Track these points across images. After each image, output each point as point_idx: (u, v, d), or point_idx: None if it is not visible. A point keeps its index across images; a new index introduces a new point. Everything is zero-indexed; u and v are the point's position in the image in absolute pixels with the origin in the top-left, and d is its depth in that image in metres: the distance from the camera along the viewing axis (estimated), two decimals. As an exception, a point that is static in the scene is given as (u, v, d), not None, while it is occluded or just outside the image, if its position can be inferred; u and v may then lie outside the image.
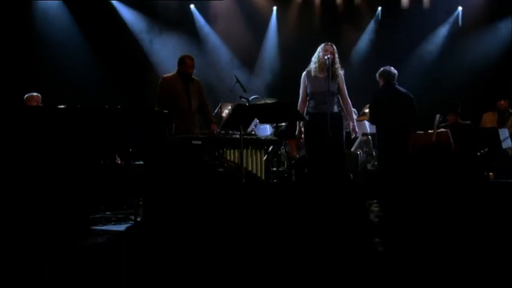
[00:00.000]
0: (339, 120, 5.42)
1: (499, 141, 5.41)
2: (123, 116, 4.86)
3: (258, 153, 6.45)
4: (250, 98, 8.13)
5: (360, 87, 7.27)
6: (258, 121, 7.41)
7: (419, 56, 9.37)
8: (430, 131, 6.54)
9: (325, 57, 5.34)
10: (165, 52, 9.25)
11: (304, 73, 5.58)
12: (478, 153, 6.21)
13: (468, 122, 7.11)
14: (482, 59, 8.59)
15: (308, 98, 5.50)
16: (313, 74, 5.48)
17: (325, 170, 5.42)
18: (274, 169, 6.95)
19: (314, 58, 5.52)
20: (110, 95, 8.44)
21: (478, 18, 9.14)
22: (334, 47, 5.48)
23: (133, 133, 4.86)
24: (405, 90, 6.13)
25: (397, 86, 6.10)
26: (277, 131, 7.02)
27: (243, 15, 9.67)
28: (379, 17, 9.86)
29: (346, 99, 5.54)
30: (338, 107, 5.46)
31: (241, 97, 6.83)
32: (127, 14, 9.39)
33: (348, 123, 5.66)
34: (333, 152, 5.31)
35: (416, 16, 9.46)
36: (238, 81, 7.14)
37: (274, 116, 5.52)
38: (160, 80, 6.39)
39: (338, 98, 5.50)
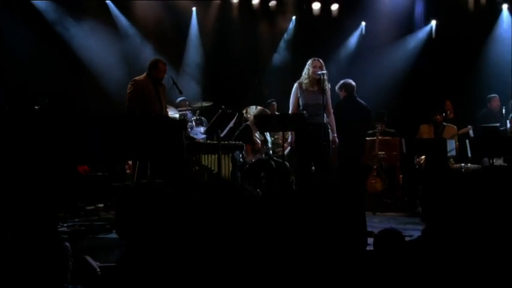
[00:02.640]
0: (327, 130, 5.90)
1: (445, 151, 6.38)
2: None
3: (227, 158, 6.73)
4: (177, 100, 8.28)
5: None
6: (194, 124, 7.66)
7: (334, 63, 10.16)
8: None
9: (318, 72, 5.77)
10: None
11: (295, 85, 5.96)
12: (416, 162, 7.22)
13: (393, 130, 8.14)
14: (390, 72, 9.59)
15: (301, 108, 5.88)
16: (304, 87, 5.88)
17: (315, 175, 5.86)
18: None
19: (304, 73, 5.93)
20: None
21: (384, 32, 9.87)
22: (322, 61, 5.93)
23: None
24: (364, 103, 6.84)
25: (357, 98, 6.77)
26: (230, 136, 7.35)
27: (164, 14, 9.64)
28: (294, 23, 10.38)
29: (330, 111, 6.03)
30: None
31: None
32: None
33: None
34: (325, 158, 5.79)
35: (328, 24, 10.08)
36: (174, 83, 7.19)
37: (285, 125, 5.79)
38: (132, 82, 6.37)
39: None
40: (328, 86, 5.93)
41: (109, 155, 5.29)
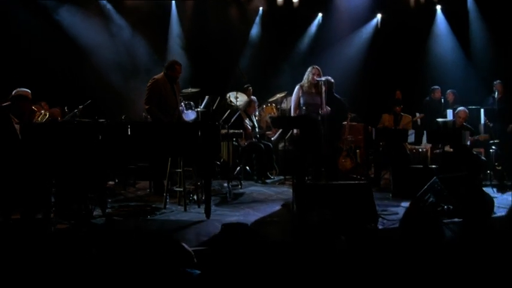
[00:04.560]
0: (321, 125, 7.26)
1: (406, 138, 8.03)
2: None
3: (230, 144, 7.98)
4: None
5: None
6: (184, 108, 8.78)
7: (296, 53, 11.43)
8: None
9: (317, 79, 7.06)
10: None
11: (297, 87, 7.19)
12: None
13: (354, 114, 9.69)
14: (346, 61, 10.97)
15: (302, 106, 7.17)
16: (304, 89, 7.17)
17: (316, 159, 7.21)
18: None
19: (305, 78, 7.19)
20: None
21: (341, 23, 11.11)
22: (319, 68, 7.21)
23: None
24: (340, 97, 8.25)
25: (334, 93, 8.17)
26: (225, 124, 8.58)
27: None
28: (261, 14, 11.46)
29: (324, 107, 7.33)
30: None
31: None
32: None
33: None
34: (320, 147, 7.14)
35: (291, 14, 11.20)
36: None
37: (297, 124, 7.05)
38: (152, 80, 7.31)
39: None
40: (323, 88, 7.21)
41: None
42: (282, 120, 7.92)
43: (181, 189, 6.57)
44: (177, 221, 5.95)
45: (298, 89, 7.20)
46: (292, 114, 7.30)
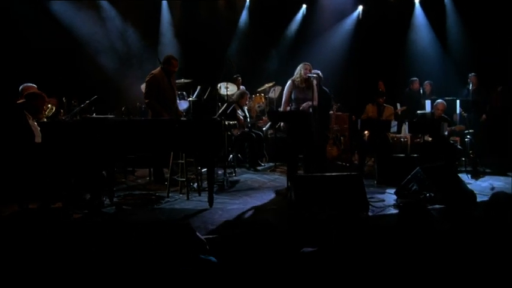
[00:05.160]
0: (312, 119, 7.76)
1: (389, 129, 8.66)
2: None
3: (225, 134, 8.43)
4: None
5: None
6: (178, 98, 9.19)
7: (283, 44, 11.87)
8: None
9: (308, 75, 7.53)
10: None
11: (289, 82, 7.61)
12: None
13: (339, 104, 10.23)
14: (332, 52, 11.49)
15: (292, 99, 7.64)
16: (296, 84, 7.64)
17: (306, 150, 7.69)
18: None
19: (296, 73, 7.63)
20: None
21: (325, 14, 11.60)
22: (310, 65, 7.69)
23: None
24: (327, 90, 8.76)
25: (323, 87, 8.68)
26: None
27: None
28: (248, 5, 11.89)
29: (316, 100, 7.82)
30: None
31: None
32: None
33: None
34: (311, 139, 7.65)
35: (278, 5, 11.60)
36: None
37: (293, 119, 7.52)
38: (150, 75, 7.70)
39: None
40: (314, 82, 7.67)
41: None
42: (278, 114, 8.33)
43: (184, 180, 7.04)
44: (183, 209, 6.40)
45: (290, 84, 7.64)
46: (282, 107, 7.73)
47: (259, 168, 9.17)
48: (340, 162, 9.47)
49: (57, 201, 6.06)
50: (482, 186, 7.81)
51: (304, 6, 12.10)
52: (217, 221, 5.83)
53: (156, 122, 6.92)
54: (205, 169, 7.20)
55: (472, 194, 6.75)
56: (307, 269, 3.66)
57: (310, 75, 7.51)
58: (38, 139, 6.01)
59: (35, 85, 7.41)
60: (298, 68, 7.67)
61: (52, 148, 5.81)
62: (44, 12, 10.08)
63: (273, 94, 10.75)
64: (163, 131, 6.35)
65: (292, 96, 7.62)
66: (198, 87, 9.45)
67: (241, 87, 10.60)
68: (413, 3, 11.81)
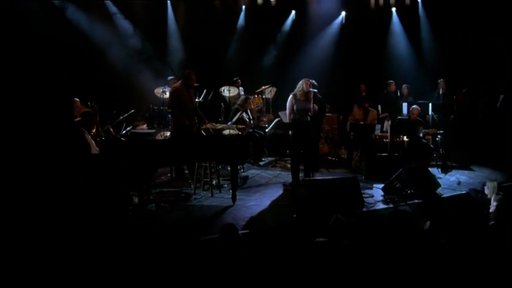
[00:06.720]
0: (311, 126, 9.14)
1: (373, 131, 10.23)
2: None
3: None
4: (168, 78, 10.99)
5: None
6: None
7: (277, 48, 13.09)
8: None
9: (309, 89, 8.88)
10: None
11: (291, 96, 8.83)
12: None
13: (328, 105, 11.65)
14: (319, 54, 12.80)
15: (295, 111, 8.99)
16: (298, 97, 8.99)
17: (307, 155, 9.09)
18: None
19: (298, 87, 8.92)
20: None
21: (313, 18, 12.88)
22: (310, 80, 9.03)
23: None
24: (320, 96, 10.16)
25: (317, 94, 10.07)
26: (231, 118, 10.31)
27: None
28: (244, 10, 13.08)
29: (313, 111, 9.17)
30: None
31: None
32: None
33: None
34: (311, 144, 9.06)
35: (269, 12, 12.92)
36: (169, 66, 10.17)
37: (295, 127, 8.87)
38: (173, 89, 8.94)
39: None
40: (312, 94, 8.98)
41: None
42: (294, 124, 9.62)
43: (208, 179, 8.42)
44: (211, 206, 7.69)
45: (292, 98, 8.87)
46: (287, 118, 9.06)
47: (260, 163, 10.57)
48: (330, 158, 10.96)
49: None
50: (451, 181, 9.41)
51: (294, 12, 13.37)
52: (244, 217, 7.15)
53: (202, 139, 8.50)
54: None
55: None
56: (320, 256, 5.22)
57: (311, 89, 8.88)
58: (94, 151, 7.25)
59: (77, 99, 8.62)
60: (300, 83, 8.95)
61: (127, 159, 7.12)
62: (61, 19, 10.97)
63: (269, 95, 12.09)
64: (208, 145, 7.91)
65: (295, 108, 8.96)
66: (205, 91, 10.79)
67: (240, 88, 11.93)
68: (391, 12, 13.17)
